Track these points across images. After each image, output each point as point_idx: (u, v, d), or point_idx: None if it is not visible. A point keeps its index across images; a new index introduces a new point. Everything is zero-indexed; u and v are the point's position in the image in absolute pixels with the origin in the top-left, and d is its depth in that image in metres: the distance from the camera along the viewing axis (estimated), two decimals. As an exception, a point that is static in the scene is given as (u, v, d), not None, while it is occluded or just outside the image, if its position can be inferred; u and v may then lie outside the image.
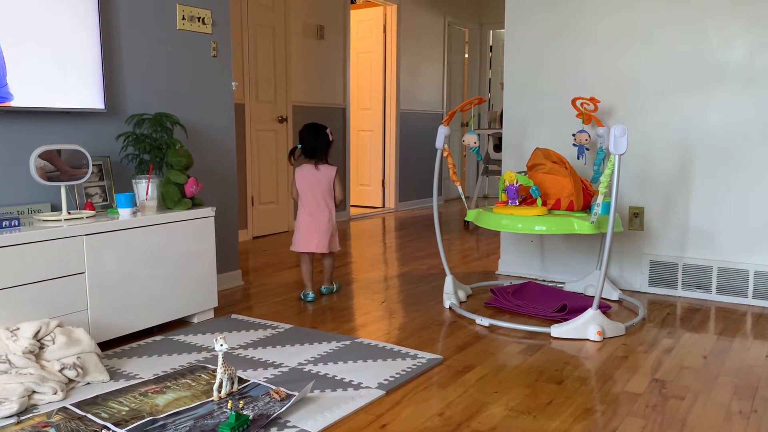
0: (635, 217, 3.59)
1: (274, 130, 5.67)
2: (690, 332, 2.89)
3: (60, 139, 2.87)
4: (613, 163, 2.69)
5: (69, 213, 2.73)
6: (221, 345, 2.10)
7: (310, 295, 3.45)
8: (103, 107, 2.95)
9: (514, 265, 4.03)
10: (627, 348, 2.68)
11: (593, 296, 3.21)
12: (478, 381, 2.32)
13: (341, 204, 3.50)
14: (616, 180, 2.70)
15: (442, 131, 3.29)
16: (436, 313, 3.18)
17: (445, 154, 3.32)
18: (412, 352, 2.59)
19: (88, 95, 2.90)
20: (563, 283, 3.73)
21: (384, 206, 7.35)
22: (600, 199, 2.79)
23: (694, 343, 2.74)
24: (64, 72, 2.79)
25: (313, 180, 3.45)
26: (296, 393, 2.11)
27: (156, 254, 2.82)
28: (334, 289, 3.66)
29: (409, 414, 2.05)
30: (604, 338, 2.77)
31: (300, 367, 2.43)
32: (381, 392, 2.19)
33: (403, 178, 7.43)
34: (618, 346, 2.71)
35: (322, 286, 3.63)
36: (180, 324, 3.01)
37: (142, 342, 2.73)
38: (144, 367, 2.44)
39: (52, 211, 2.83)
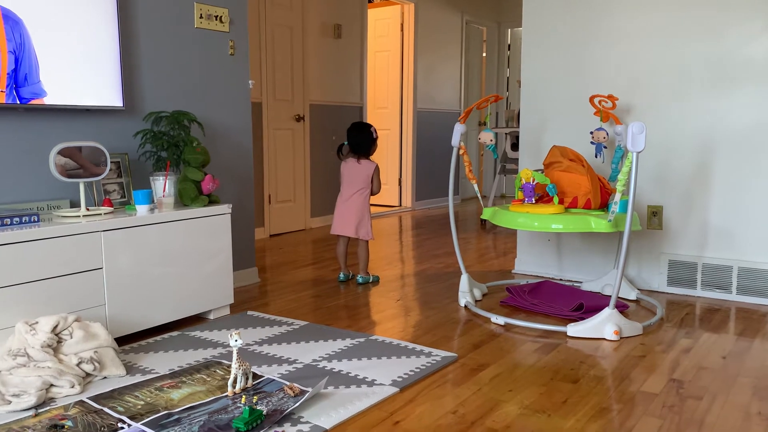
0: (654, 215, 3.55)
1: (291, 128, 5.69)
2: (709, 332, 2.85)
3: (80, 136, 2.90)
4: (631, 160, 2.66)
5: (87, 209, 2.76)
6: (236, 341, 2.11)
7: (341, 276, 3.83)
8: (121, 105, 2.98)
9: (530, 265, 4.00)
10: (644, 347, 2.65)
11: (610, 296, 3.18)
12: (493, 379, 2.31)
13: (377, 193, 3.92)
14: (633, 178, 2.67)
15: (458, 129, 3.28)
16: (451, 311, 3.17)
17: (461, 151, 3.31)
18: (427, 349, 2.58)
19: (107, 93, 2.93)
20: (580, 282, 3.70)
21: (401, 205, 7.34)
22: (617, 197, 2.76)
23: (713, 344, 2.70)
24: (84, 70, 2.82)
25: (353, 172, 3.79)
26: (310, 389, 2.11)
27: (173, 251, 2.84)
28: (370, 280, 3.79)
29: (423, 411, 2.05)
30: (621, 338, 2.74)
31: (314, 363, 2.43)
32: (395, 389, 2.19)
33: (420, 177, 7.42)
34: (635, 345, 2.68)
35: (358, 276, 3.78)
36: (196, 320, 3.03)
37: (158, 337, 2.76)
38: (160, 362, 2.46)
39: (71, 207, 2.87)
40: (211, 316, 3.08)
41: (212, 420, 1.92)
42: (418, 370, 2.36)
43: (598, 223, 2.82)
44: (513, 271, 4.07)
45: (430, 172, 7.54)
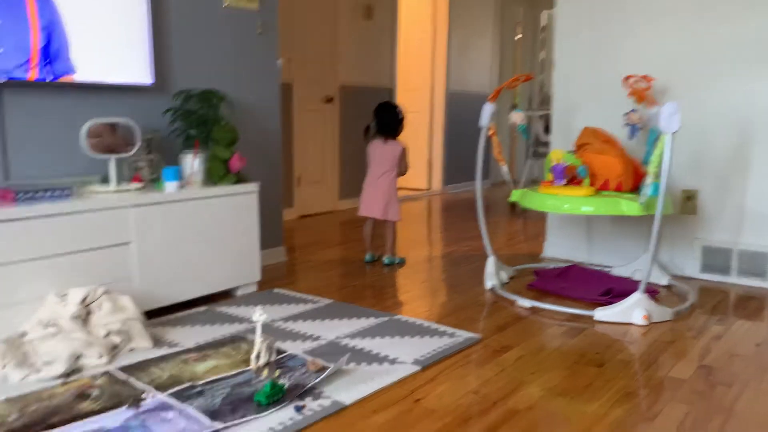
0: (688, 200, 3.46)
1: (321, 110, 5.69)
2: (743, 320, 2.77)
3: (111, 113, 2.93)
4: (664, 142, 2.59)
5: (118, 185, 2.80)
6: (260, 315, 2.12)
7: (367, 257, 3.83)
8: (151, 82, 3.01)
9: (560, 248, 3.95)
10: (674, 333, 2.59)
11: (640, 281, 3.13)
12: (516, 361, 2.29)
13: (404, 174, 3.89)
14: (667, 160, 2.60)
15: (488, 108, 3.23)
16: (477, 294, 3.15)
17: (490, 132, 3.26)
18: (450, 330, 2.57)
19: (138, 71, 2.96)
20: (610, 267, 3.64)
21: (429, 188, 7.30)
22: (650, 180, 2.70)
23: (746, 331, 2.63)
24: (114, 48, 2.84)
25: (380, 154, 3.75)
26: (332, 365, 2.12)
27: (201, 227, 2.87)
28: (396, 262, 3.77)
29: (444, 390, 2.04)
30: (649, 323, 2.69)
31: (337, 340, 2.44)
32: (416, 368, 2.18)
33: (450, 160, 7.36)
34: (664, 331, 2.62)
35: (385, 257, 3.78)
36: (224, 296, 3.06)
37: (186, 312, 2.79)
38: (186, 336, 2.49)
39: (102, 183, 2.91)
40: (239, 293, 3.11)
41: (235, 393, 1.94)
42: (440, 349, 2.35)
43: (629, 206, 2.76)
44: (542, 255, 4.02)
45: (460, 156, 7.47)
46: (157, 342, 2.42)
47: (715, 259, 3.40)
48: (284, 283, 3.32)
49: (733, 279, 3.36)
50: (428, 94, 7.22)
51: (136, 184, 2.85)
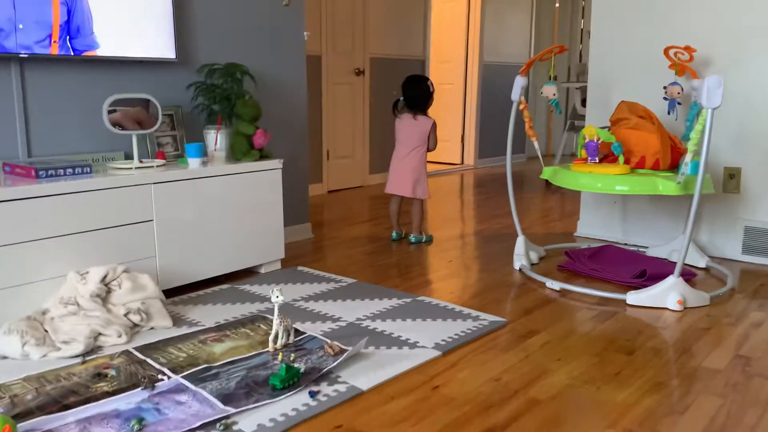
0: (731, 178, 3.29)
1: (351, 83, 5.60)
2: (785, 306, 2.64)
3: (134, 88, 2.90)
4: (705, 117, 2.44)
5: (141, 161, 2.78)
6: (277, 296, 2.08)
7: (393, 234, 3.76)
8: (174, 57, 2.96)
9: (594, 227, 3.82)
10: (710, 320, 2.48)
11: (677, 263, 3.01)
12: (542, 347, 2.21)
13: (434, 150, 3.77)
14: (707, 137, 2.46)
15: (519, 82, 3.10)
16: (505, 274, 3.06)
17: (521, 106, 3.14)
18: (474, 313, 2.50)
19: (161, 45, 2.92)
20: (646, 247, 3.50)
21: (463, 163, 7.18)
22: (689, 157, 2.56)
23: (788, 318, 2.50)
24: (137, 21, 2.80)
25: (409, 129, 3.65)
26: (350, 348, 2.07)
27: (224, 204, 2.84)
28: (423, 240, 3.71)
29: (464, 377, 1.97)
30: (685, 308, 2.57)
31: (358, 322, 2.39)
32: (437, 353, 2.12)
33: (484, 134, 7.20)
34: (700, 317, 2.51)
35: (411, 235, 3.71)
36: (247, 274, 3.04)
37: (208, 290, 2.78)
38: (207, 314, 2.48)
39: (125, 159, 2.89)
40: (262, 270, 3.08)
41: (250, 376, 1.91)
42: (463, 334, 2.28)
43: (665, 185, 2.63)
44: (575, 234, 3.89)
45: (494, 129, 7.31)
46: (177, 321, 2.41)
47: (758, 240, 3.24)
48: (308, 261, 3.28)
49: (777, 261, 3.20)
50: (462, 66, 7.05)
51: (159, 161, 2.83)
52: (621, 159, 2.76)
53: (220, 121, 2.95)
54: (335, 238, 3.82)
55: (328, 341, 2.16)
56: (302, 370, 1.94)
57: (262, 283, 2.87)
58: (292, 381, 1.86)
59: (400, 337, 2.25)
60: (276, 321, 2.11)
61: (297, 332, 2.26)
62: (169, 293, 2.69)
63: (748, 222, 3.26)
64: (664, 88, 3.19)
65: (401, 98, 3.72)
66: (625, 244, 3.63)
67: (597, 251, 3.22)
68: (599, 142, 2.81)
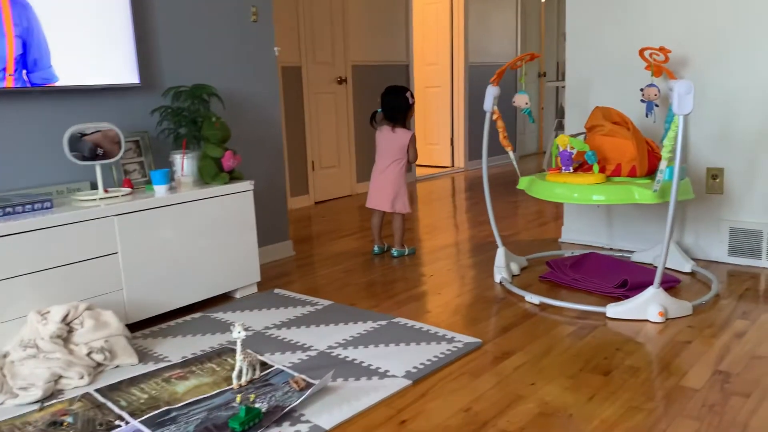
0: (714, 179, 3.22)
1: (333, 92, 5.53)
2: (770, 312, 2.56)
3: (97, 116, 2.85)
4: (677, 124, 2.37)
5: (106, 191, 2.72)
6: (239, 332, 2.02)
7: (375, 249, 3.70)
8: (138, 82, 2.90)
9: (578, 233, 3.75)
10: (692, 331, 2.41)
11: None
12: (516, 370, 2.14)
13: (414, 162, 3.68)
14: (680, 143, 2.39)
15: (491, 92, 3.03)
16: (485, 288, 3.00)
17: (494, 117, 3.07)
18: (450, 334, 2.43)
19: (123, 70, 2.86)
20: (632, 252, 3.43)
21: (453, 165, 7.11)
22: (664, 164, 2.49)
23: (773, 326, 2.43)
24: (98, 49, 2.74)
25: (388, 142, 3.58)
26: (316, 382, 2.01)
27: (194, 230, 2.78)
28: (405, 253, 3.65)
29: (433, 408, 1.91)
30: (666, 319, 2.51)
31: (329, 350, 2.33)
32: (407, 382, 2.06)
33: (473, 135, 7.13)
34: (682, 328, 2.44)
35: (393, 249, 3.65)
36: (223, 300, 2.98)
37: (180, 320, 2.72)
38: (176, 348, 2.42)
39: (91, 189, 2.83)
40: (238, 295, 3.03)
41: (210, 418, 1.85)
42: (436, 359, 2.22)
43: (642, 193, 2.56)
44: (560, 240, 3.83)
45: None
46: (145, 356, 2.35)
47: (744, 241, 3.17)
48: (286, 282, 3.22)
49: (764, 262, 3.13)
50: (448, 68, 6.98)
51: (125, 189, 2.77)
52: (596, 168, 2.69)
53: (185, 145, 2.89)
54: (317, 254, 3.76)
55: (295, 375, 2.10)
56: (264, 409, 1.88)
57: (235, 310, 2.82)
58: (252, 422, 1.80)
59: (371, 366, 2.18)
60: (239, 357, 2.05)
61: (264, 365, 2.20)
62: (139, 326, 2.64)
63: (732, 223, 3.19)
64: (641, 90, 3.12)
65: (378, 110, 3.65)
66: (610, 249, 3.56)
67: (579, 260, 3.15)
68: (573, 151, 2.74)
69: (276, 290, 3.08)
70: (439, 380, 2.09)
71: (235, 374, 2.06)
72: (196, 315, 2.77)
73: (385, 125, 3.61)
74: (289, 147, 5.17)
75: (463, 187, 6.10)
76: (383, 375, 2.11)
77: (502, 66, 2.99)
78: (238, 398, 1.90)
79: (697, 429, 1.75)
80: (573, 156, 2.79)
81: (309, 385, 2.01)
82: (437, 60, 7.02)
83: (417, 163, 6.78)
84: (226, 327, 2.62)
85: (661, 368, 2.12)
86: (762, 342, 2.29)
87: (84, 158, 2.64)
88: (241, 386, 2.05)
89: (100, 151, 2.67)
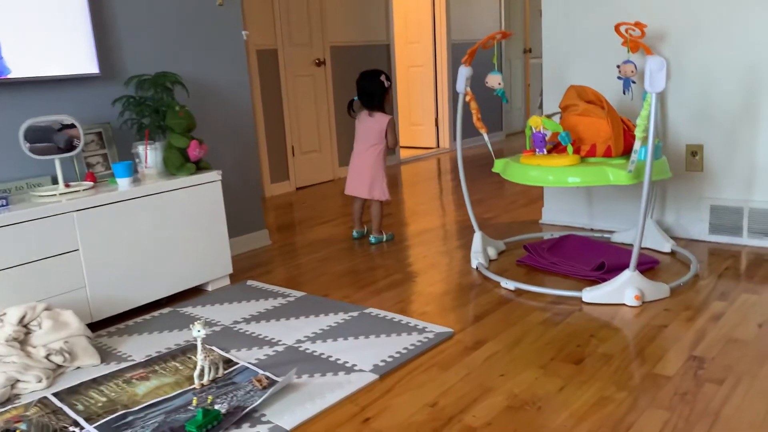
0: (693, 156, 3.15)
1: (312, 74, 5.42)
2: (749, 293, 2.51)
3: (56, 108, 2.75)
4: (650, 102, 2.29)
5: (68, 185, 2.64)
6: (198, 331, 1.96)
7: (354, 233, 3.66)
8: (97, 71, 2.81)
9: (558, 213, 3.69)
10: (668, 314, 2.35)
11: (641, 249, 2.89)
12: (486, 360, 2.09)
13: (394, 148, 3.61)
14: (653, 122, 2.31)
15: (463, 72, 2.95)
16: (461, 275, 2.94)
17: (467, 98, 2.99)
18: (422, 324, 2.38)
19: (81, 60, 2.76)
20: (612, 232, 3.38)
21: (438, 146, 7.02)
22: (638, 144, 2.42)
23: (751, 307, 2.38)
24: (53, 38, 2.64)
25: (365, 127, 3.52)
26: (281, 379, 1.95)
27: (160, 224, 2.71)
28: (384, 239, 3.59)
29: (399, 404, 1.86)
30: (643, 302, 2.45)
31: (297, 345, 2.27)
32: (374, 377, 2.00)
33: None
34: (658, 312, 2.38)
35: (371, 236, 3.60)
36: (194, 293, 2.91)
37: (148, 316, 2.66)
38: (140, 346, 2.36)
39: (53, 183, 2.75)
40: (210, 288, 2.96)
41: (168, 422, 1.79)
42: (405, 351, 2.16)
43: (616, 174, 2.50)
44: (541, 222, 3.76)
45: (469, 110, 7.12)
46: (108, 356, 2.29)
47: (725, 219, 3.11)
48: (260, 273, 3.16)
49: (745, 240, 3.08)
50: (430, 47, 6.86)
51: (87, 183, 2.69)
52: (570, 149, 2.62)
53: (147, 135, 2.81)
54: (294, 243, 3.69)
55: (260, 372, 2.04)
56: (224, 410, 1.82)
57: (205, 304, 2.75)
58: (211, 425, 1.74)
59: (338, 360, 2.12)
60: (200, 356, 1.99)
61: (229, 363, 2.14)
62: (105, 323, 2.58)
63: (713, 201, 3.13)
64: (618, 67, 3.04)
65: (355, 98, 3.59)
66: (591, 230, 3.51)
67: (557, 242, 3.09)
68: (546, 132, 2.66)
69: (249, 282, 3.01)
70: (407, 373, 2.03)
71: (196, 374, 2.00)
72: (165, 310, 2.71)
73: (363, 111, 3.54)
74: (268, 133, 5.07)
75: (449, 168, 6.02)
76: (350, 370, 2.05)
77: (470, 50, 2.91)
78: (195, 401, 1.84)
79: (667, 420, 1.70)
80: (548, 137, 2.72)
81: (272, 383, 1.96)
82: (419, 38, 6.90)
83: (401, 144, 6.71)
84: (193, 322, 2.55)
85: (634, 355, 2.07)
86: (738, 324, 2.24)
87: (41, 152, 2.55)
88: (203, 386, 2.00)
89: (77, 142, 2.60)
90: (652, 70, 2.24)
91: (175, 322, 2.57)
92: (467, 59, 2.92)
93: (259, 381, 1.96)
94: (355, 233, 3.66)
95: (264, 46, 4.98)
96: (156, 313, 2.68)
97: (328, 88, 5.56)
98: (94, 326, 2.54)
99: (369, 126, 3.52)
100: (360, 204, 3.64)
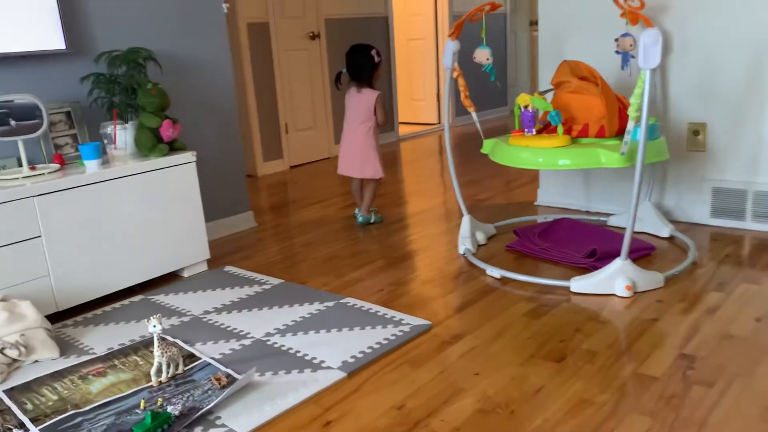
0: (695, 135, 2.98)
1: (306, 48, 5.25)
2: (749, 282, 2.36)
3: (18, 87, 2.62)
4: (643, 79, 2.13)
5: (34, 168, 2.53)
6: (154, 326, 1.85)
7: (357, 212, 3.52)
8: (64, 47, 2.67)
9: (554, 195, 3.53)
10: (660, 307, 2.21)
11: (639, 234, 2.75)
12: (462, 357, 1.97)
13: (384, 125, 3.46)
14: (646, 101, 2.15)
15: (450, 47, 2.79)
16: (447, 261, 2.80)
17: (455, 74, 2.82)
18: (399, 316, 2.25)
19: (47, 35, 2.63)
20: (610, 215, 3.22)
21: (440, 122, 6.83)
22: (631, 125, 2.25)
23: (749, 298, 2.23)
24: (13, 12, 2.51)
25: (354, 103, 3.40)
26: (240, 377, 1.84)
27: (130, 208, 2.59)
28: (372, 221, 3.47)
29: (364, 406, 1.74)
30: (634, 293, 2.31)
31: (266, 338, 2.15)
32: (342, 375, 1.88)
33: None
34: (650, 303, 2.24)
35: (359, 215, 3.48)
36: (170, 279, 2.81)
37: (117, 304, 2.55)
38: (104, 337, 2.25)
39: (19, 166, 2.63)
40: (186, 274, 2.85)
41: (117, 423, 1.69)
42: (378, 346, 2.04)
43: (609, 156, 2.34)
44: (536, 203, 3.61)
45: (472, 85, 6.90)
46: (68, 348, 2.19)
47: (728, 201, 2.94)
48: (239, 258, 3.04)
49: (748, 224, 2.91)
50: (431, 19, 6.64)
51: (54, 166, 2.57)
52: (560, 129, 2.46)
53: (115, 115, 2.68)
54: (280, 225, 3.57)
55: (221, 370, 1.93)
56: (178, 411, 1.71)
57: (178, 292, 2.64)
58: (161, 428, 1.63)
59: (306, 356, 2.01)
60: (157, 353, 1.88)
61: (191, 358, 2.03)
62: (72, 312, 2.48)
63: (715, 182, 2.96)
64: (616, 40, 2.86)
65: (343, 70, 3.43)
66: (588, 212, 3.35)
67: (548, 227, 2.95)
68: (535, 111, 2.50)
69: (227, 268, 2.90)
70: (377, 371, 1.92)
71: (153, 371, 1.89)
72: (136, 298, 2.61)
73: (352, 86, 3.40)
74: (260, 110, 4.92)
75: (450, 145, 5.84)
76: (317, 367, 1.93)
77: (456, 23, 2.74)
78: (142, 403, 1.74)
79: (650, 427, 1.57)
80: (539, 116, 2.56)
81: (232, 382, 1.85)
82: (420, 10, 6.68)
83: (400, 120, 6.54)
84: (164, 311, 2.45)
85: (620, 352, 1.93)
86: (734, 319, 2.09)
87: (1, 134, 2.43)
88: (161, 383, 1.89)
89: (39, 122, 2.47)
90: (646, 45, 2.07)
91: (143, 311, 2.47)
92: (454, 32, 2.75)
93: (218, 379, 1.85)
94: (357, 212, 3.54)
95: (254, 19, 4.81)
96: (126, 302, 2.58)
97: (323, 63, 5.38)
98: (60, 315, 2.45)
99: (357, 102, 3.38)
100: (358, 182, 3.51)
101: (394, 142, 6.07)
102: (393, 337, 2.09)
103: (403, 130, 6.43)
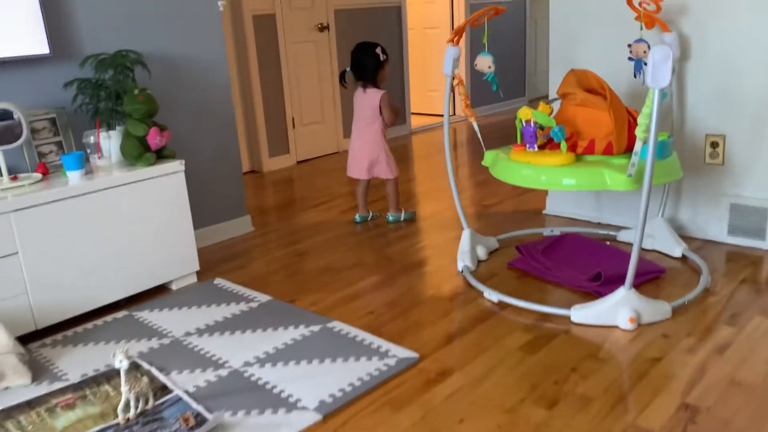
0: (713, 147, 2.79)
1: (314, 40, 5.09)
2: (763, 315, 2.19)
3: (0, 94, 2.53)
4: (652, 99, 1.96)
5: (16, 177, 2.45)
6: (120, 362, 1.76)
7: (357, 217, 3.47)
8: (48, 51, 2.57)
9: (564, 204, 3.36)
10: (665, 343, 2.06)
11: (649, 252, 2.60)
12: (448, 399, 1.84)
13: (392, 125, 3.42)
14: (654, 121, 1.98)
15: (451, 53, 2.63)
16: (443, 279, 2.67)
17: (455, 82, 2.67)
18: (385, 346, 2.13)
19: (29, 39, 2.52)
20: (621, 227, 3.06)
21: (454, 114, 6.64)
22: (639, 146, 2.09)
23: (763, 335, 2.07)
24: (-11, 16, 2.41)
25: (359, 104, 3.35)
26: (210, 416, 1.75)
27: (115, 221, 2.49)
28: (402, 218, 3.43)
29: (337, 456, 1.63)
30: (639, 325, 2.16)
31: (243, 369, 2.05)
32: (317, 417, 1.78)
33: (476, 80, 6.61)
34: (655, 338, 2.09)
35: (388, 214, 3.44)
36: (158, 292, 2.72)
37: (100, 321, 2.47)
38: (81, 360, 2.17)
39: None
40: (174, 287, 2.76)
41: (75, 469, 1.60)
42: (359, 383, 1.92)
43: (614, 178, 2.18)
44: (544, 212, 3.45)
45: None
46: (42, 372, 2.11)
47: (747, 219, 2.76)
48: (232, 268, 2.94)
49: (768, 244, 2.73)
50: (447, 7, 6.43)
51: (36, 176, 2.49)
52: (563, 146, 2.30)
53: (98, 123, 2.57)
54: (278, 230, 3.46)
55: (191, 407, 1.83)
56: (139, 457, 1.62)
57: (163, 308, 2.55)
58: (119, 478, 1.54)
59: (282, 393, 1.90)
60: (124, 388, 1.79)
61: (164, 390, 1.94)
62: (52, 330, 2.40)
63: (734, 198, 2.77)
64: (629, 46, 2.67)
65: (348, 69, 3.35)
66: (598, 224, 3.18)
67: (553, 243, 2.79)
68: (537, 126, 2.34)
69: (216, 280, 2.80)
70: (356, 413, 1.80)
71: (120, 407, 1.80)
72: (120, 314, 2.52)
73: (359, 86, 3.34)
74: (266, 104, 4.80)
75: (464, 139, 5.69)
76: (292, 407, 1.83)
77: (457, 28, 2.57)
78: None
79: (642, 495, 1.44)
80: (543, 131, 2.40)
81: (200, 423, 1.75)
82: (435, -2, 6.46)
83: (413, 111, 6.37)
84: (146, 332, 2.36)
85: (617, 398, 1.79)
86: (745, 360, 1.94)
87: (-20, 145, 2.35)
88: (128, 420, 1.80)
89: (19, 131, 2.38)
90: (656, 62, 1.90)
91: (125, 330, 2.38)
92: (455, 38, 2.59)
93: (185, 420, 1.75)
94: (357, 217, 3.46)
95: (260, 10, 4.66)
96: (109, 318, 2.49)
97: (332, 55, 5.23)
98: (40, 333, 2.37)
99: (363, 103, 3.32)
100: (364, 186, 3.42)
101: (405, 135, 5.91)
102: (376, 372, 1.97)
103: (415, 121, 6.27)
